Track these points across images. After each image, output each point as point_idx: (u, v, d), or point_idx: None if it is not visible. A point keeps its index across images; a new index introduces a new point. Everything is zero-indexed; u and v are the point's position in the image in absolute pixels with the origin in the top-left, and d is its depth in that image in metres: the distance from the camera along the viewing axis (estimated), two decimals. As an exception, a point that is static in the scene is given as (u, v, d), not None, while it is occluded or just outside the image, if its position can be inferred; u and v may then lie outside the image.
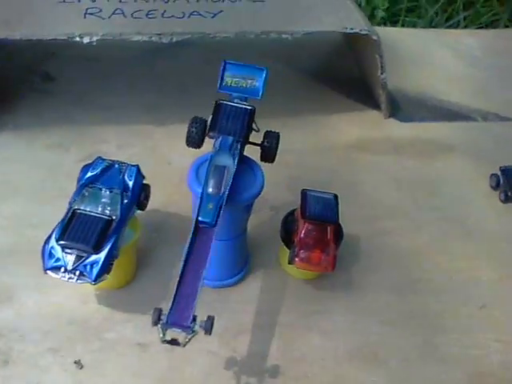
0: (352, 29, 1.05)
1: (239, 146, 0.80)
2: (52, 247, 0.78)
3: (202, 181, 0.79)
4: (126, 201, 0.82)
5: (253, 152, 0.86)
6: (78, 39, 0.94)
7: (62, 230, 0.79)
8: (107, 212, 0.81)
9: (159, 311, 0.68)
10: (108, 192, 0.82)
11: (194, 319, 0.69)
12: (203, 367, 0.82)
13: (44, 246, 0.79)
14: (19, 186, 1.01)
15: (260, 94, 0.84)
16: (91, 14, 0.99)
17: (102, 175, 0.84)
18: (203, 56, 1.27)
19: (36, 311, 0.86)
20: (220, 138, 0.80)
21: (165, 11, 1.02)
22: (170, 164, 1.06)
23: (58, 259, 0.78)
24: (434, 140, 1.18)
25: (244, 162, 0.84)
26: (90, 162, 0.86)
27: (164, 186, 1.00)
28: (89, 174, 0.84)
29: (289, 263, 0.87)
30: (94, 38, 0.95)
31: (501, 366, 0.86)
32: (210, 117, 0.83)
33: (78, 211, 0.80)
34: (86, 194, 0.82)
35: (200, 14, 1.03)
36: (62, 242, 0.77)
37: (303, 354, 0.85)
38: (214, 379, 0.81)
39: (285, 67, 1.28)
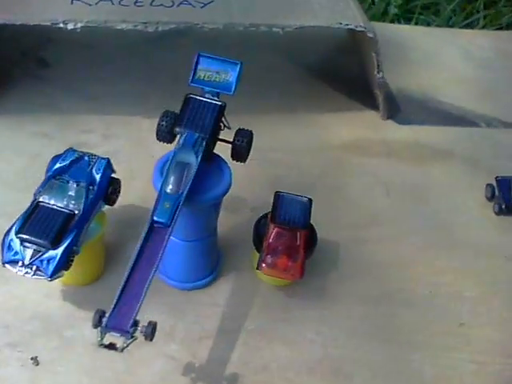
0: (347, 25, 1.01)
1: (204, 143, 0.77)
2: (11, 240, 0.77)
3: (167, 178, 0.77)
4: (91, 195, 0.80)
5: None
6: (61, 25, 0.93)
7: (23, 223, 0.77)
8: (71, 206, 0.79)
9: (101, 313, 0.66)
10: (75, 185, 0.80)
11: (136, 324, 0.67)
12: (159, 371, 0.80)
13: (4, 238, 0.78)
14: (-1, 172, 1.00)
15: (233, 89, 0.81)
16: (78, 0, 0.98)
17: (70, 167, 0.82)
18: (202, 47, 1.23)
19: (-2, 304, 0.86)
20: (185, 134, 0.77)
21: (154, 0, 1.00)
22: (153, 157, 1.03)
23: (16, 253, 0.76)
24: (432, 145, 1.13)
25: (212, 160, 0.82)
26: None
27: (143, 180, 0.98)
28: (57, 166, 0.82)
29: (256, 268, 0.85)
30: (79, 25, 0.93)
31: (471, 390, 0.83)
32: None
33: (41, 203, 0.78)
34: (52, 185, 0.80)
35: (190, 4, 1.00)
36: (20, 236, 0.76)
37: (265, 363, 0.82)
38: (169, 384, 0.80)
39: (285, 62, 1.24)
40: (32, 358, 0.79)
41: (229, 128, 0.83)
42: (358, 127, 1.14)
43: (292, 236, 0.84)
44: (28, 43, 1.20)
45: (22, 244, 0.76)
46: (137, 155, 1.03)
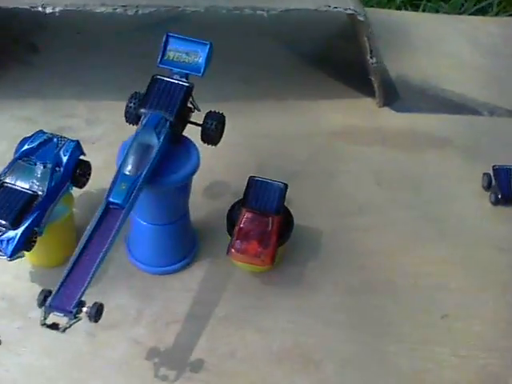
0: (335, 8, 0.97)
1: (168, 125, 0.75)
2: (-26, 220, 0.77)
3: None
4: (56, 177, 0.79)
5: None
6: (40, 9, 0.92)
7: (-14, 204, 0.77)
8: (35, 187, 0.78)
9: (46, 293, 0.64)
10: (42, 167, 0.79)
11: (81, 304, 0.65)
12: (123, 355, 0.78)
13: (-32, 219, 0.77)
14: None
15: (202, 70, 0.79)
16: (58, -18, 0.97)
17: (38, 149, 0.81)
18: (196, 34, 1.22)
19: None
20: (148, 115, 0.75)
21: (134, -16, 0.98)
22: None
23: (-22, 233, 0.76)
24: (429, 133, 1.08)
25: (181, 143, 0.79)
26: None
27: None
28: (25, 147, 0.81)
29: (227, 254, 0.82)
30: (57, 9, 0.92)
31: (449, 386, 0.79)
32: None
33: (6, 184, 0.77)
34: (18, 167, 0.79)
35: (172, -13, 0.98)
36: (-19, 216, 0.75)
37: (233, 351, 0.80)
38: (130, 368, 0.77)
39: (282, 48, 1.21)
40: (-5, 338, 0.79)
41: (198, 110, 0.81)
42: (352, 114, 1.10)
43: (264, 221, 0.81)
44: (19, 29, 1.20)
45: (-17, 224, 0.76)
46: (119, 140, 1.00)
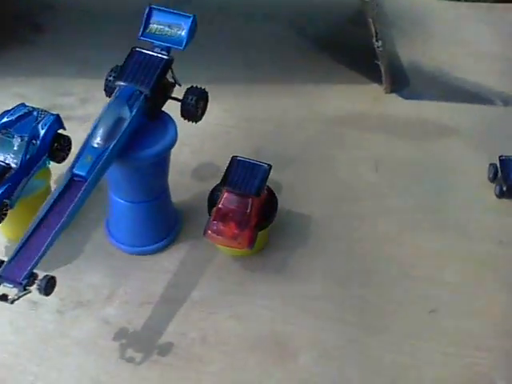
0: (337, -14, 0.93)
1: (143, 98, 0.72)
2: None
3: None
4: (32, 150, 0.77)
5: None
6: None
7: (-43, 176, 0.75)
8: (9, 159, 0.76)
9: None
10: (19, 139, 0.78)
11: (33, 277, 0.62)
12: (90, 334, 0.76)
13: None
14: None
15: (184, 44, 0.76)
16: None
17: (17, 122, 0.79)
18: (204, 17, 1.19)
19: None
20: (122, 87, 0.73)
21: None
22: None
23: None
24: (437, 121, 1.03)
25: (159, 118, 0.76)
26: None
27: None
28: (4, 120, 0.79)
29: (203, 235, 0.79)
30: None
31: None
32: None
33: (-20, 156, 0.77)
34: (-5, 138, 0.78)
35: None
36: (-48, 186, 0.74)
37: (204, 336, 0.76)
38: (96, 348, 0.74)
39: (291, 33, 1.17)
40: (-40, 314, 0.78)
41: (179, 85, 0.78)
42: (357, 100, 1.05)
43: (243, 203, 0.78)
44: (24, 9, 1.19)
45: (-46, 195, 0.75)
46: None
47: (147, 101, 0.73)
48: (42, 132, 0.79)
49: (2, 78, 1.06)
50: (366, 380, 0.73)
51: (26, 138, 0.77)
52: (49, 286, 0.63)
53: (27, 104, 0.82)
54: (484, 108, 1.05)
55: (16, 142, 0.78)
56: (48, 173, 0.82)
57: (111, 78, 0.76)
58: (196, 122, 0.78)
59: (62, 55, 1.10)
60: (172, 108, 0.78)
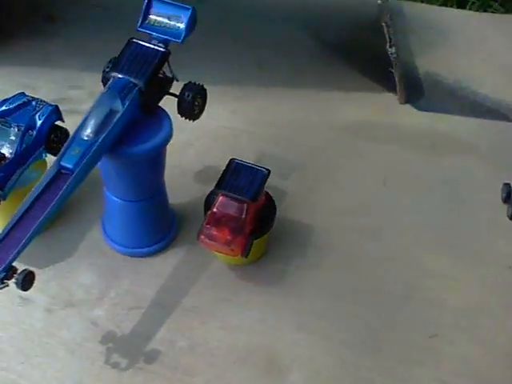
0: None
1: (137, 91, 0.70)
2: None
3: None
4: (28, 140, 0.76)
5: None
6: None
7: (-50, 162, 0.74)
8: (5, 149, 0.75)
9: None
10: (16, 129, 0.76)
11: (12, 270, 0.61)
12: (77, 335, 0.74)
13: None
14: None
15: (182, 37, 0.73)
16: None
17: (15, 111, 0.78)
18: (219, 15, 1.17)
19: None
20: (116, 79, 0.71)
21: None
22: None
23: None
24: (452, 136, 0.99)
25: (155, 114, 0.74)
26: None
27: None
28: (3, 108, 0.78)
29: (197, 239, 0.76)
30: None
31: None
32: None
33: (-25, 144, 0.75)
34: (-8, 127, 0.77)
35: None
36: None
37: (193, 345, 0.74)
38: (82, 350, 0.73)
39: (306, 36, 1.14)
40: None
41: (176, 80, 0.75)
42: (369, 109, 1.02)
43: (238, 208, 0.75)
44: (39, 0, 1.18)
45: None
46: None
47: (142, 94, 0.71)
48: (39, 122, 0.78)
49: (12, 67, 1.05)
50: (355, 404, 0.71)
51: (22, 128, 0.76)
52: (26, 281, 0.61)
53: (27, 94, 0.81)
54: (502, 124, 1.01)
55: (13, 131, 0.76)
56: (44, 165, 0.80)
57: (107, 69, 0.74)
58: (193, 119, 0.76)
59: (73, 48, 1.08)
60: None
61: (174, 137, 0.80)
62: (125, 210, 0.77)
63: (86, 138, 0.67)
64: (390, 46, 0.95)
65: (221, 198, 0.75)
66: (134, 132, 0.71)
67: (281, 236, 0.84)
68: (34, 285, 0.77)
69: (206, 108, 0.80)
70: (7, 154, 0.74)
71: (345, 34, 1.16)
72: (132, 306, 0.77)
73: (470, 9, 1.29)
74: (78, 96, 1.00)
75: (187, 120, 0.76)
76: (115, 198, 0.77)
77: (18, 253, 0.62)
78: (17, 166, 0.75)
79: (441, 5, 1.29)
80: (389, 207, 0.90)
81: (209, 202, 0.79)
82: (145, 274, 0.80)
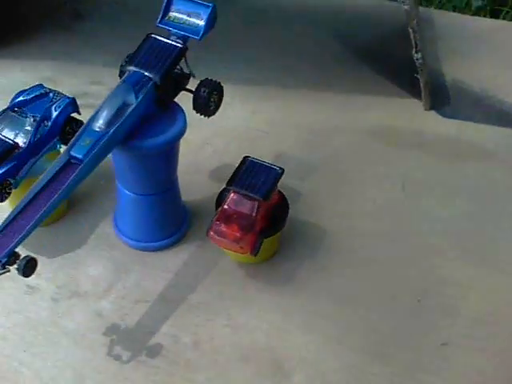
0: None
1: (151, 85, 0.70)
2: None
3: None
4: (42, 130, 0.76)
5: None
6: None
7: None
8: (18, 138, 0.75)
9: None
10: (31, 119, 0.76)
11: (14, 256, 0.60)
12: (81, 326, 0.73)
13: None
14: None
15: (201, 34, 0.73)
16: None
17: (32, 101, 0.78)
18: (245, 17, 1.17)
19: None
20: (131, 73, 0.71)
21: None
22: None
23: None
24: (476, 144, 0.97)
25: (170, 109, 0.74)
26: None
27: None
28: (20, 98, 0.79)
29: (206, 235, 0.75)
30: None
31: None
32: None
33: (-11, 132, 0.76)
34: (8, 117, 0.77)
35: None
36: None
37: (197, 341, 0.73)
38: (84, 341, 0.72)
39: (333, 40, 1.13)
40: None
41: (193, 76, 0.75)
42: (393, 114, 1.00)
43: (249, 205, 0.74)
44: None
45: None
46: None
47: (157, 89, 0.71)
48: (54, 114, 0.78)
49: (36, 61, 1.06)
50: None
51: (37, 119, 0.76)
52: (28, 267, 0.61)
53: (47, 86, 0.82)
54: (527, 135, 0.99)
55: (28, 121, 0.77)
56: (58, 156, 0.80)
57: (124, 63, 0.74)
58: (208, 116, 0.75)
59: (98, 44, 1.09)
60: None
61: (191, 134, 0.80)
62: (136, 204, 0.77)
63: (97, 129, 0.67)
64: (416, 52, 0.93)
65: (232, 194, 0.75)
66: (148, 126, 0.71)
67: (293, 237, 0.83)
68: (42, 274, 0.78)
69: (225, 107, 0.80)
70: (21, 144, 0.75)
71: (372, 40, 1.15)
72: (138, 300, 0.76)
73: (503, 18, 1.27)
74: (98, 91, 1.00)
75: (202, 116, 0.75)
76: (127, 192, 0.76)
77: (22, 239, 0.61)
78: (30, 156, 0.75)
79: (473, 14, 1.27)
80: (406, 213, 0.87)
81: (221, 198, 0.78)
82: (153, 268, 0.80)
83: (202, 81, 0.74)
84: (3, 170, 0.72)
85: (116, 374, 0.70)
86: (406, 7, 0.90)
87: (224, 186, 0.80)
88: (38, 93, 0.79)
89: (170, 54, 0.71)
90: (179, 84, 0.74)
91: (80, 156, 0.65)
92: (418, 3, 0.99)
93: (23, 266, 0.60)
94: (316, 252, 0.82)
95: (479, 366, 0.72)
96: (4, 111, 0.77)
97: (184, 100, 0.77)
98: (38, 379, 0.69)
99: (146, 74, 0.70)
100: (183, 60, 0.74)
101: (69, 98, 0.79)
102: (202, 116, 0.75)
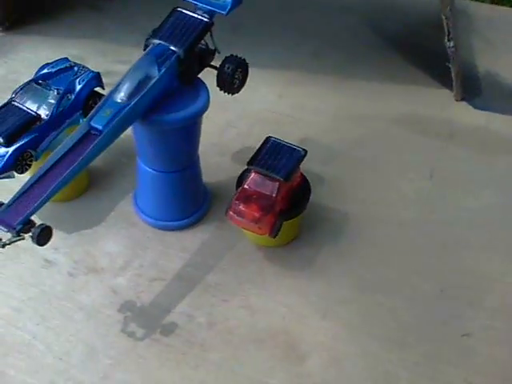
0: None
1: (175, 59, 0.69)
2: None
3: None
4: (65, 103, 0.75)
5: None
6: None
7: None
8: (41, 110, 0.74)
9: None
10: (55, 92, 0.76)
11: (29, 224, 0.60)
12: (95, 302, 0.73)
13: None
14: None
15: (227, 9, 0.71)
16: None
17: (56, 74, 0.78)
18: (277, 3, 1.15)
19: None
20: (155, 45, 0.70)
21: None
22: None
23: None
24: (506, 136, 0.94)
25: (194, 85, 0.73)
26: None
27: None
28: (44, 71, 0.78)
29: (225, 214, 0.74)
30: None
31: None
32: None
33: (13, 102, 0.75)
34: (32, 89, 0.76)
35: None
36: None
37: (212, 322, 0.72)
38: (98, 316, 0.72)
39: (367, 28, 1.11)
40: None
41: (218, 52, 0.74)
42: (424, 103, 0.98)
43: (269, 186, 0.73)
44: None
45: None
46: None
47: (181, 63, 0.70)
48: (78, 87, 0.77)
49: (64, 38, 1.06)
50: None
51: (61, 92, 0.76)
52: (42, 236, 0.60)
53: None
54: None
55: (51, 94, 0.76)
56: (81, 131, 0.80)
57: (149, 37, 0.73)
58: (232, 93, 0.74)
59: (125, 24, 1.09)
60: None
61: (216, 116, 0.79)
62: (156, 181, 0.76)
63: (118, 101, 0.66)
64: (449, 40, 0.90)
65: (253, 174, 0.73)
66: (170, 101, 0.70)
67: (314, 222, 0.82)
68: (60, 248, 0.78)
69: (251, 90, 0.79)
70: (43, 116, 0.74)
71: (404, 29, 1.12)
72: (155, 278, 0.75)
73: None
74: (124, 70, 0.98)
75: (226, 94, 0.74)
76: (148, 169, 0.75)
77: (37, 208, 0.61)
78: (52, 129, 0.75)
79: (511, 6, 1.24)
80: (432, 202, 0.85)
81: (242, 178, 0.77)
82: (171, 247, 0.79)
83: (226, 57, 0.73)
84: (24, 141, 0.72)
85: (129, 350, 0.69)
86: (439, -8, 0.87)
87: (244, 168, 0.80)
88: (62, 66, 0.79)
89: (195, 28, 0.70)
90: (203, 60, 0.73)
91: (100, 126, 0.64)
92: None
93: (37, 234, 0.60)
94: (337, 238, 0.81)
95: (500, 358, 0.70)
96: (28, 83, 0.77)
97: (210, 79, 0.77)
98: (51, 353, 0.69)
99: (170, 47, 0.69)
100: (209, 35, 0.73)
101: (93, 72, 0.79)
102: (226, 94, 0.74)
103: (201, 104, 0.71)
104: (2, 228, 0.60)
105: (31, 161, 0.74)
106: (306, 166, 0.79)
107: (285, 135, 0.87)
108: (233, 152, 0.90)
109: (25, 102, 0.76)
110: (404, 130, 0.95)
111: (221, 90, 0.73)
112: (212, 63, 0.75)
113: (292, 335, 0.71)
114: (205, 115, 0.75)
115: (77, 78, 0.78)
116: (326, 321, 0.73)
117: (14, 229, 0.59)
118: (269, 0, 1.17)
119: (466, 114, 0.98)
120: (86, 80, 0.78)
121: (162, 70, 0.68)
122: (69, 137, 0.65)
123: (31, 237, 0.60)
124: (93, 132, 0.65)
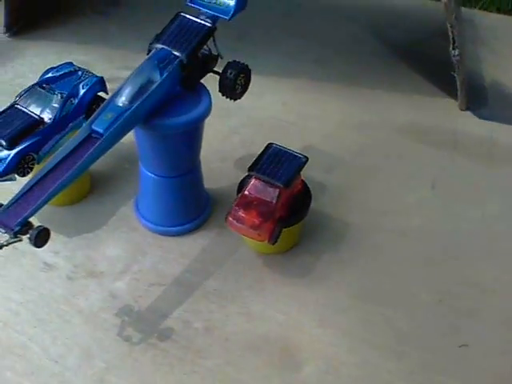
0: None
1: (177, 63, 0.69)
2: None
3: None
4: (68, 107, 0.76)
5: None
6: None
7: (-11, 120, 0.75)
8: (45, 114, 0.75)
9: None
10: (59, 96, 0.77)
11: (27, 226, 0.60)
12: (93, 306, 0.73)
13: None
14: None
15: (231, 14, 0.72)
16: None
17: (60, 79, 0.78)
18: (283, 8, 1.15)
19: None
20: (158, 50, 0.70)
21: None
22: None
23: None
24: (510, 147, 0.94)
25: (196, 90, 0.73)
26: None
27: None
28: (49, 75, 0.79)
29: (224, 221, 0.74)
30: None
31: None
32: None
33: (16, 106, 0.76)
34: (36, 92, 0.77)
35: None
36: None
37: (209, 327, 0.72)
38: (95, 321, 0.72)
39: (371, 36, 1.11)
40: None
41: (221, 57, 0.74)
42: (428, 112, 0.98)
43: (269, 192, 0.73)
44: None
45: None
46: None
47: (183, 68, 0.70)
48: (81, 92, 0.78)
49: (71, 44, 1.07)
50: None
51: (64, 96, 0.77)
52: (39, 238, 0.61)
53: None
54: None
55: (55, 98, 0.77)
56: (83, 135, 0.80)
57: (152, 42, 0.74)
58: (234, 99, 0.74)
59: (132, 30, 1.10)
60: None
61: (220, 122, 0.79)
62: (157, 186, 0.76)
63: (120, 105, 0.66)
64: (454, 48, 0.90)
65: (253, 181, 0.73)
66: (172, 106, 0.70)
67: (315, 229, 0.81)
68: (60, 252, 0.78)
69: (255, 97, 0.79)
70: (46, 119, 0.75)
71: (409, 37, 1.13)
72: (153, 283, 0.75)
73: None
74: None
75: (228, 99, 0.74)
76: (149, 173, 0.76)
77: (35, 210, 0.61)
78: (54, 132, 0.75)
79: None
80: (433, 211, 0.85)
81: (243, 184, 0.77)
82: (171, 252, 0.79)
83: (229, 62, 0.73)
84: (26, 144, 0.73)
85: (124, 354, 0.69)
86: (444, 0, 0.87)
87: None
88: (67, 70, 0.80)
89: (198, 33, 0.71)
90: (206, 65, 0.73)
91: (101, 130, 0.65)
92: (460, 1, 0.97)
93: (35, 236, 0.60)
94: (337, 246, 0.81)
95: (497, 369, 0.69)
96: (32, 87, 0.78)
97: (213, 85, 0.77)
98: (46, 355, 0.69)
99: (173, 51, 0.69)
100: (211, 40, 0.73)
101: (97, 76, 0.79)
102: (228, 99, 0.74)
103: (202, 109, 0.71)
104: (0, 229, 0.60)
105: (33, 164, 0.74)
106: (308, 174, 0.79)
107: (288, 142, 0.87)
108: (235, 158, 0.90)
109: (28, 105, 0.76)
110: (407, 138, 0.95)
111: (223, 95, 0.74)
112: (215, 69, 0.75)
113: (289, 343, 0.71)
114: (208, 121, 0.76)
115: (80, 82, 0.79)
116: (323, 329, 0.72)
117: (12, 230, 0.59)
118: (274, 8, 1.18)
119: (471, 124, 0.98)
120: (89, 84, 0.78)
121: (164, 75, 0.68)
122: (70, 140, 0.65)
123: (29, 239, 0.60)
124: (94, 135, 0.65)
